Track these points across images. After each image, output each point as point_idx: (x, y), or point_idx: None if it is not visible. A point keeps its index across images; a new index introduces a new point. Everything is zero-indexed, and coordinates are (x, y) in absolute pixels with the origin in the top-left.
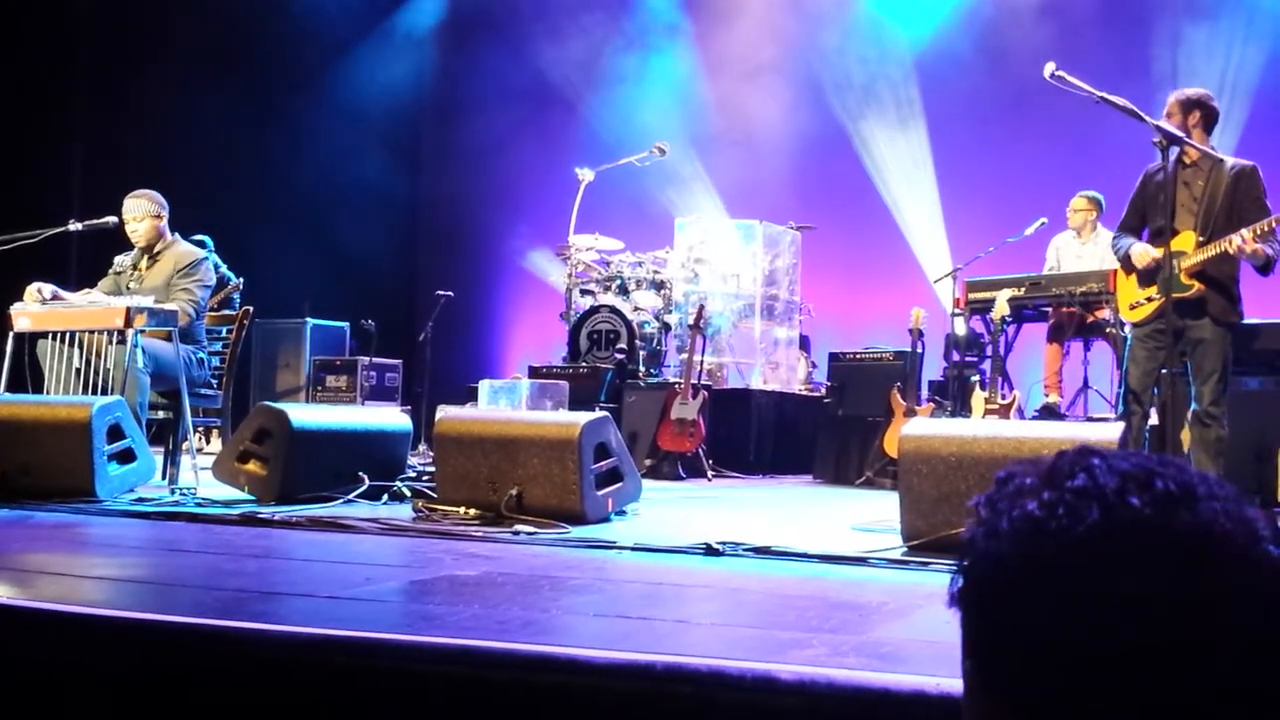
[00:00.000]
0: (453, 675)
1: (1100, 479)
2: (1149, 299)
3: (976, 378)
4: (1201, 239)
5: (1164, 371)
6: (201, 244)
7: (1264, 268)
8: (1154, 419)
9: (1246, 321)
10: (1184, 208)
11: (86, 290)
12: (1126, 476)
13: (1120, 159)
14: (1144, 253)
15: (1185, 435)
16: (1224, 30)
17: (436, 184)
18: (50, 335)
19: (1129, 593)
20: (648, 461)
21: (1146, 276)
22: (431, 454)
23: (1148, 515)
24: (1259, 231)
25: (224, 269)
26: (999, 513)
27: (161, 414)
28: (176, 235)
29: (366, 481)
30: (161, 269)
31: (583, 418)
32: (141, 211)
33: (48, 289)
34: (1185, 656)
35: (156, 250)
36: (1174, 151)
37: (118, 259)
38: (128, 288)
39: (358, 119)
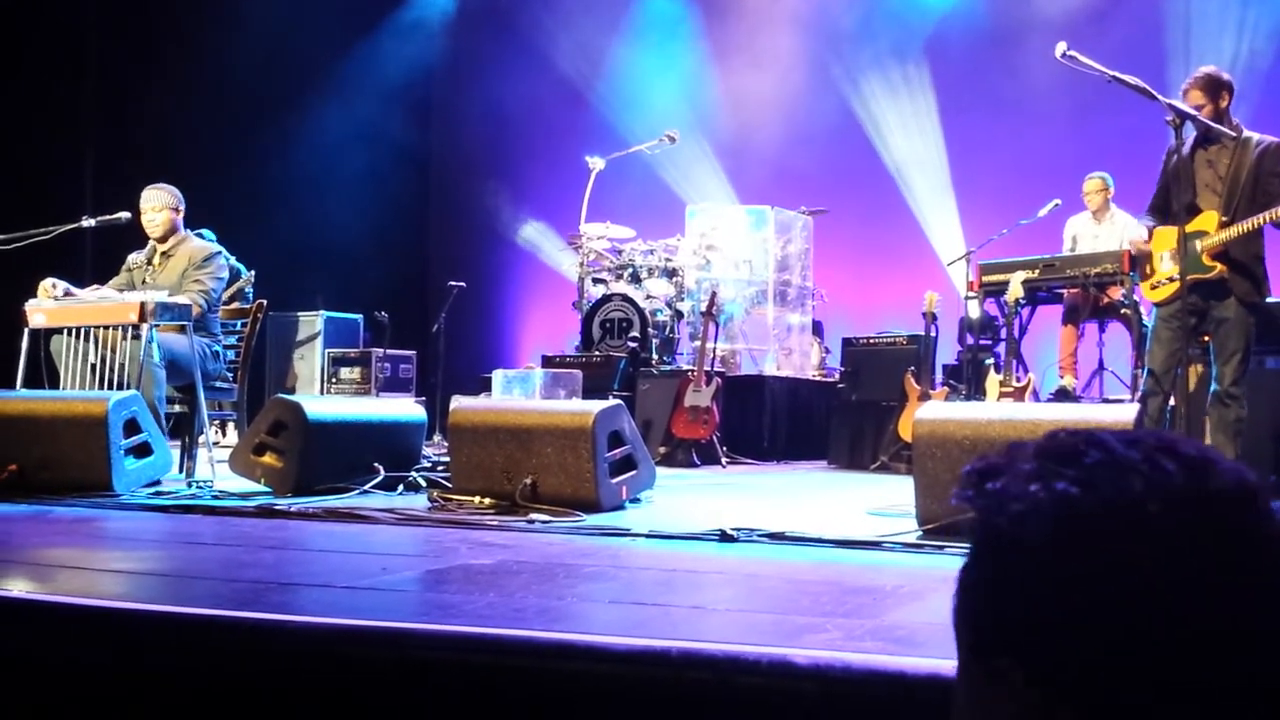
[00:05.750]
0: (469, 664)
1: (1120, 452)
2: (1171, 279)
3: (991, 361)
4: (1225, 219)
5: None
6: (202, 236)
7: None
8: (1172, 401)
9: (1269, 300)
10: (1208, 187)
11: (96, 286)
12: (1148, 447)
13: (1133, 139)
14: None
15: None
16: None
17: (447, 174)
18: (65, 331)
19: (1172, 556)
20: (662, 449)
21: (1173, 257)
22: (446, 444)
23: (1182, 481)
24: None
25: (234, 261)
26: (1012, 498)
27: (177, 408)
28: (189, 232)
29: (382, 472)
30: (176, 265)
31: (596, 406)
32: (160, 202)
33: (60, 286)
34: (1236, 622)
35: (170, 246)
36: (1193, 128)
37: (131, 257)
38: (142, 283)
39: (368, 110)
